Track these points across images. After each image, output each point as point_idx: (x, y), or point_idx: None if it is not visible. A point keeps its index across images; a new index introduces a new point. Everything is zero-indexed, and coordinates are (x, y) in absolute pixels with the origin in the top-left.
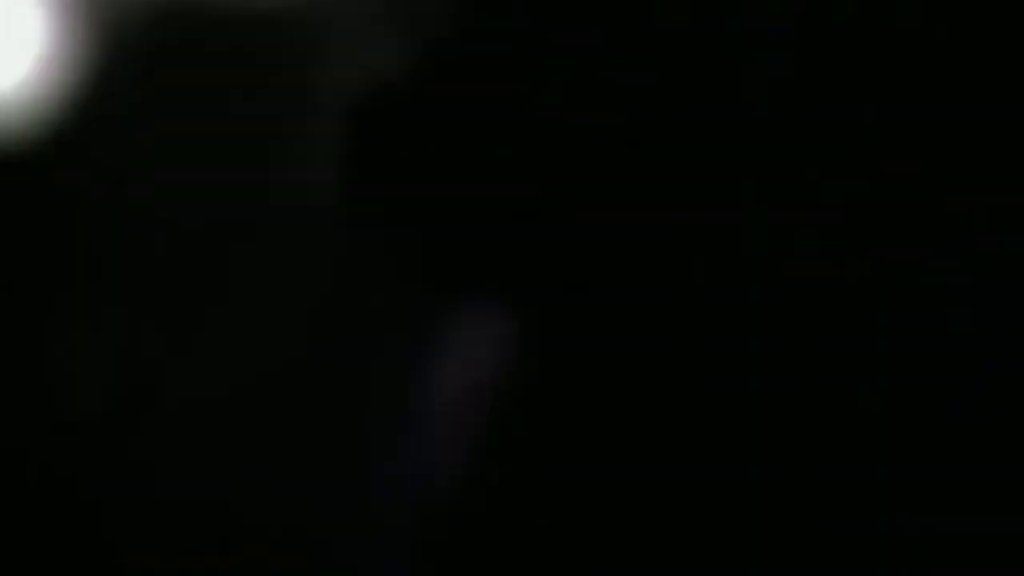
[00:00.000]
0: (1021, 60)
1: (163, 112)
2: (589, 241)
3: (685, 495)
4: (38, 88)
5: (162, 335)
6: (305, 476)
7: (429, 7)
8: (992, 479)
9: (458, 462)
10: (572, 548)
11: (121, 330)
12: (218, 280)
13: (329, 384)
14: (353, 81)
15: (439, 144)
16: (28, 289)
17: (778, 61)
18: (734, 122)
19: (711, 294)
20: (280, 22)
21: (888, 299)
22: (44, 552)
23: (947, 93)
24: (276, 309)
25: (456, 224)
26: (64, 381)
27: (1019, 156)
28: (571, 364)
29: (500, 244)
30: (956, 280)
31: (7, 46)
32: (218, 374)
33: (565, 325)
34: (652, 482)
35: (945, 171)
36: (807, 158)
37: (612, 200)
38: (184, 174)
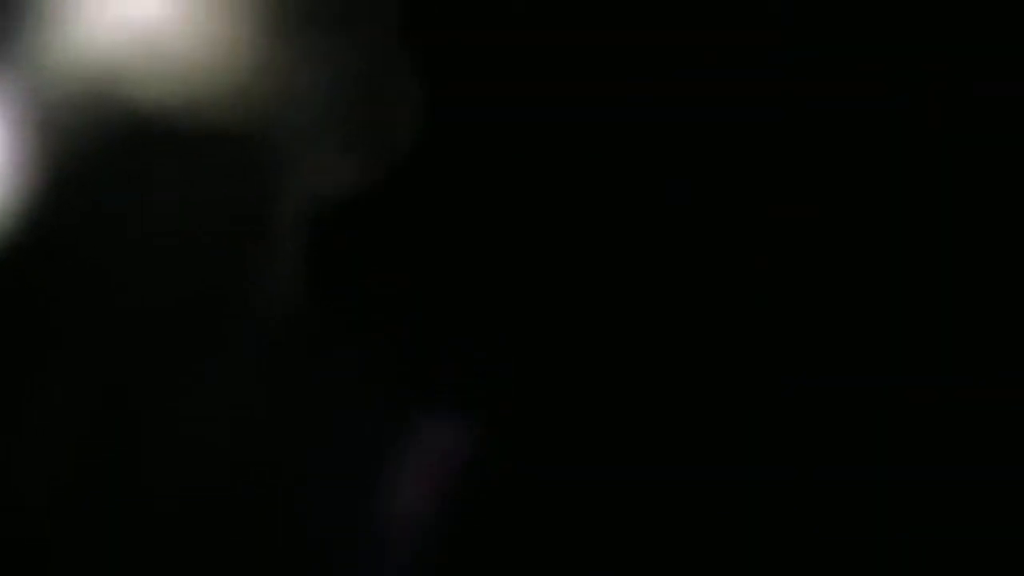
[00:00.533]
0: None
1: (117, 223)
2: (555, 351)
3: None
4: None
5: (122, 436)
6: None
7: (387, 119)
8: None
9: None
10: None
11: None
12: (182, 382)
13: (290, 486)
14: (313, 193)
15: (401, 251)
16: None
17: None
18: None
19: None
20: (237, 133)
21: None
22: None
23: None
24: (238, 415)
25: (419, 331)
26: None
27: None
28: (534, 471)
29: (464, 350)
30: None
31: None
32: (178, 470)
33: (529, 433)
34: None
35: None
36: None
37: (582, 306)
38: (139, 282)
